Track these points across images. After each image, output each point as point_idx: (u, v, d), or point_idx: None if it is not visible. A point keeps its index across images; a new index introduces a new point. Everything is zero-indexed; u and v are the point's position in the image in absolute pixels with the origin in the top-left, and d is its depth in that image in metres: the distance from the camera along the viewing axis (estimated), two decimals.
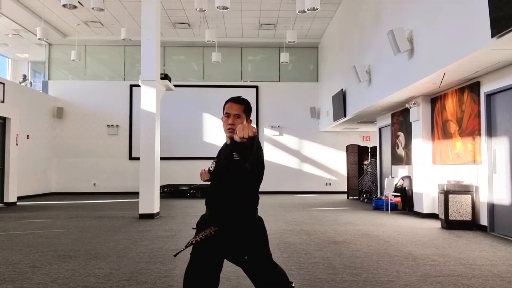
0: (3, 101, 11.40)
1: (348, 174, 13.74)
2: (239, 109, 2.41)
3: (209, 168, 2.56)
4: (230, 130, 2.37)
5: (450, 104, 7.86)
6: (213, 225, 2.34)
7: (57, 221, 8.10)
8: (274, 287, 2.40)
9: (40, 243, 5.79)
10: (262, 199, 2.43)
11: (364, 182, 12.60)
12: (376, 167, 12.22)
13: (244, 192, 2.40)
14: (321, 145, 15.64)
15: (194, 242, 2.33)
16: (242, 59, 15.97)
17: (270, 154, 15.12)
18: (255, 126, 2.44)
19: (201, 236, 2.31)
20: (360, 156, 13.13)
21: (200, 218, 2.51)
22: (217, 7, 8.31)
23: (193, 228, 2.49)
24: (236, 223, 2.35)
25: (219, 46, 13.51)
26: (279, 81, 15.82)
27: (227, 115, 2.41)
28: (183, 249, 2.40)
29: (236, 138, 2.04)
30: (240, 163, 2.23)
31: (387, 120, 11.22)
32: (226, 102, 2.46)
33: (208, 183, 2.56)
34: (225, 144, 2.52)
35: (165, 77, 9.26)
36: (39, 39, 11.75)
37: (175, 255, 2.51)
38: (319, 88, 15.72)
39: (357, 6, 10.65)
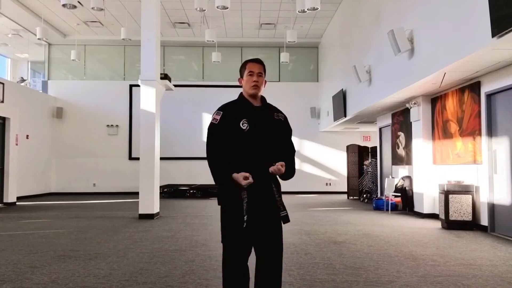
0: (2, 101, 11.39)
1: (348, 174, 13.74)
2: (261, 68, 2.62)
3: (237, 126, 2.52)
4: (255, 86, 2.58)
5: (451, 104, 7.86)
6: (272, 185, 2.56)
7: (56, 221, 8.09)
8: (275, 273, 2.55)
9: (39, 243, 5.78)
10: None
11: (364, 182, 12.59)
12: (376, 167, 12.21)
13: (281, 153, 2.60)
14: (321, 145, 15.64)
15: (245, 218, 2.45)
16: (242, 59, 15.96)
17: None
18: None
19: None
20: (360, 156, 13.12)
21: (242, 195, 2.49)
22: (217, 7, 8.31)
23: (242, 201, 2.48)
24: (275, 179, 2.59)
25: (219, 46, 13.51)
26: (279, 81, 15.82)
27: (251, 73, 2.58)
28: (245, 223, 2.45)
29: (272, 171, 2.44)
30: (282, 124, 2.62)
31: (387, 120, 11.21)
32: (246, 62, 2.65)
33: (201, 171, 2.71)
34: (246, 102, 2.61)
35: (165, 77, 9.26)
36: (38, 39, 11.76)
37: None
38: (319, 88, 15.71)
39: (357, 6, 10.64)
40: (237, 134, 2.51)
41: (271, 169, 2.44)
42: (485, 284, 3.81)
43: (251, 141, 2.51)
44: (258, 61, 2.64)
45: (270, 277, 2.53)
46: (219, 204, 2.62)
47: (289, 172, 2.64)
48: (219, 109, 2.66)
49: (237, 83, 2.73)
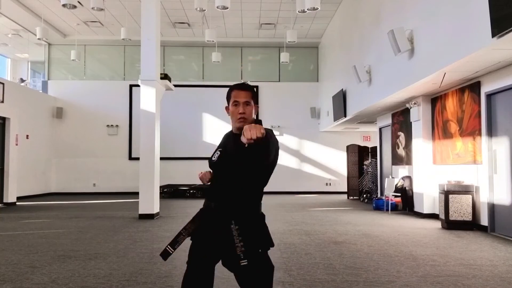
0: (2, 101, 11.39)
1: (348, 174, 13.73)
2: (248, 95, 2.23)
3: (211, 158, 2.34)
4: (241, 119, 2.20)
5: (451, 104, 7.86)
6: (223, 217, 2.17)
7: (56, 221, 8.09)
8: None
9: (39, 243, 5.78)
10: (262, 199, 2.39)
11: (364, 182, 12.59)
12: (376, 167, 12.21)
13: (252, 185, 2.22)
14: (321, 145, 15.63)
15: (183, 233, 2.21)
16: (242, 59, 15.97)
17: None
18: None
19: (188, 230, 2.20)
20: (360, 156, 13.12)
21: (198, 212, 2.31)
22: (217, 7, 8.30)
23: (186, 227, 2.27)
24: (240, 217, 2.17)
25: (219, 46, 13.50)
26: (279, 81, 15.81)
27: (236, 103, 2.22)
28: (172, 251, 2.21)
29: (243, 139, 1.90)
30: (250, 153, 2.03)
31: (388, 120, 11.21)
32: (231, 90, 2.28)
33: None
34: (231, 133, 2.33)
35: (165, 77, 9.25)
36: (38, 39, 11.76)
37: (162, 255, 2.27)
38: (319, 88, 15.71)
39: (357, 6, 10.64)
40: (211, 165, 2.35)
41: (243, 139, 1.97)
42: (485, 284, 3.81)
43: (216, 172, 2.32)
44: (244, 88, 2.27)
45: None
46: None
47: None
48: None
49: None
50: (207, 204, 2.30)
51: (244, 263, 2.11)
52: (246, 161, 2.10)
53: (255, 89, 2.28)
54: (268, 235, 2.26)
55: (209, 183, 2.37)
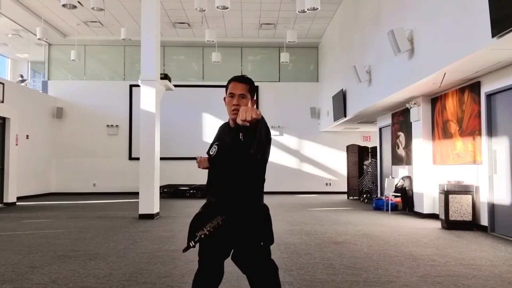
0: (2, 101, 11.39)
1: (348, 174, 13.73)
2: (244, 88, 2.25)
3: (208, 152, 2.37)
4: (235, 111, 2.19)
5: (451, 104, 7.86)
6: (220, 214, 2.18)
7: (56, 221, 8.09)
8: (266, 279, 2.26)
9: (39, 243, 5.78)
10: (263, 191, 2.38)
11: (364, 182, 12.59)
12: (376, 167, 12.21)
13: (250, 177, 2.24)
14: (321, 145, 15.63)
15: (203, 236, 2.18)
16: (242, 59, 15.97)
17: (270, 154, 15.11)
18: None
19: (209, 228, 2.17)
20: (360, 156, 13.11)
21: (200, 209, 2.35)
22: (217, 7, 8.30)
23: (193, 223, 2.29)
24: (242, 211, 2.21)
25: (219, 46, 13.50)
26: (279, 81, 15.82)
27: (231, 95, 2.24)
28: (193, 246, 2.24)
29: (239, 121, 1.93)
30: (246, 145, 2.06)
31: (387, 120, 11.21)
32: (229, 82, 2.30)
33: (206, 170, 2.41)
34: (227, 125, 2.35)
35: (165, 77, 9.25)
36: (38, 39, 11.75)
37: (184, 251, 2.33)
38: (319, 88, 15.71)
39: (357, 6, 10.64)
40: (209, 159, 2.39)
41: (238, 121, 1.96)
42: (485, 284, 3.81)
43: (214, 166, 2.33)
44: (241, 80, 2.28)
45: None
46: None
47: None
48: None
49: None
50: (209, 200, 2.33)
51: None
52: (243, 155, 2.10)
53: (254, 83, 2.35)
54: (271, 230, 2.29)
55: (205, 169, 2.42)
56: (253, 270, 2.25)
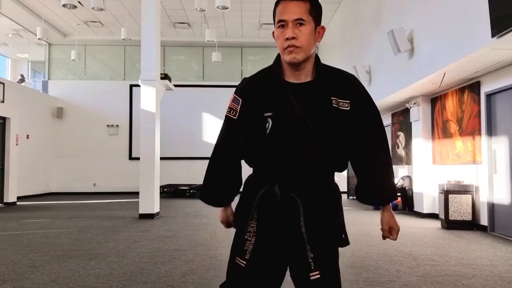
0: (3, 101, 11.39)
1: (348, 174, 13.72)
2: (301, 9, 1.47)
3: (256, 130, 1.57)
4: (291, 48, 1.49)
5: (450, 104, 7.86)
6: (297, 212, 1.55)
7: (57, 221, 8.09)
8: None
9: (40, 243, 5.78)
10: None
11: None
12: None
13: (331, 155, 1.57)
14: None
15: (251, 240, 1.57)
16: (242, 59, 15.98)
17: None
18: None
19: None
20: None
21: (241, 201, 1.64)
22: (217, 7, 8.32)
23: (235, 220, 1.71)
24: (319, 196, 1.61)
25: (219, 46, 13.51)
26: None
27: (282, 23, 1.50)
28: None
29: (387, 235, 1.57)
30: (344, 115, 1.48)
31: (387, 120, 11.21)
32: (278, 3, 1.53)
33: (204, 170, 1.76)
34: (278, 80, 1.57)
35: (165, 77, 9.26)
36: (39, 39, 11.76)
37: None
38: None
39: (357, 6, 10.64)
40: (257, 137, 1.56)
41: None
42: (485, 284, 3.82)
43: (275, 149, 1.54)
44: None
45: None
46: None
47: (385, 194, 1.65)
48: (240, 89, 1.66)
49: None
50: (267, 188, 1.57)
51: (316, 277, 1.56)
52: (334, 125, 1.51)
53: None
54: (343, 222, 1.71)
55: (229, 228, 1.79)
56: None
